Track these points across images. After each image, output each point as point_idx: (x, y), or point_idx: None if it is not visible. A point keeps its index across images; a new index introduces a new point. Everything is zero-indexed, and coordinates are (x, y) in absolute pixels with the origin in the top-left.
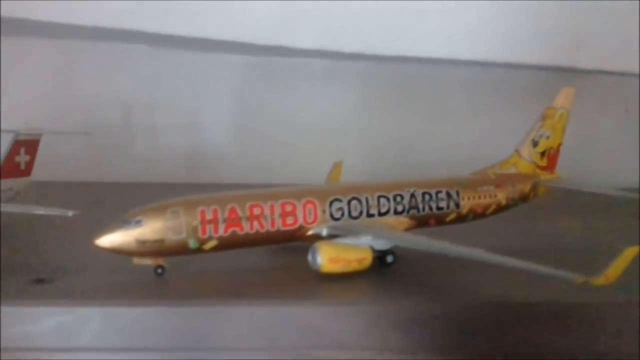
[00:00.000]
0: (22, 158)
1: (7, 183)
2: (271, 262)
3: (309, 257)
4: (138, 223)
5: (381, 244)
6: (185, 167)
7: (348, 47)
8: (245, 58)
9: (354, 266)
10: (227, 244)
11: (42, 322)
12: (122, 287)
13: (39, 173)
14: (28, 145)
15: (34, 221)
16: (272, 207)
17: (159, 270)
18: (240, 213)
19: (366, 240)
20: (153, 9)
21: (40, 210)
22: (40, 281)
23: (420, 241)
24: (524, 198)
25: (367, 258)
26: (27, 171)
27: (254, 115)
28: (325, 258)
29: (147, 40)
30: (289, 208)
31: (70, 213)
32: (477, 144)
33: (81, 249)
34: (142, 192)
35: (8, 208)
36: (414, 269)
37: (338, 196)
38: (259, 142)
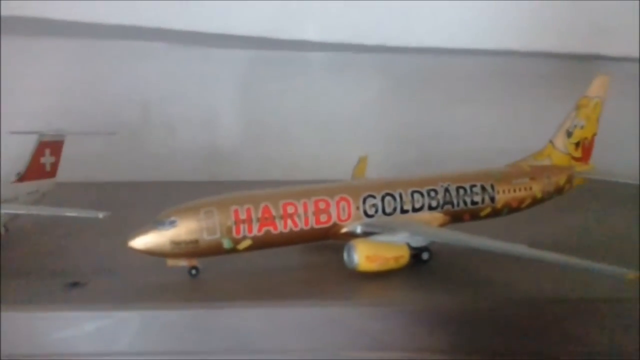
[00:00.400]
0: (47, 159)
1: (33, 185)
2: (303, 261)
3: (345, 255)
4: (172, 224)
5: (418, 241)
6: (203, 165)
7: (360, 40)
8: (260, 53)
9: (391, 264)
10: (261, 244)
11: (81, 327)
12: (158, 289)
13: (63, 174)
14: (53, 146)
15: (59, 223)
16: (305, 205)
17: (193, 272)
18: (274, 212)
19: (403, 237)
20: (168, 4)
21: (71, 212)
22: (74, 285)
23: (460, 237)
24: (559, 190)
25: (405, 256)
26: (53, 172)
27: (272, 111)
28: (362, 256)
29: (164, 38)
30: (322, 205)
31: (101, 215)
32: (498, 134)
33: (111, 251)
34: (161, 191)
35: (39, 210)
36: (450, 266)
37: (371, 192)
38: (276, 138)
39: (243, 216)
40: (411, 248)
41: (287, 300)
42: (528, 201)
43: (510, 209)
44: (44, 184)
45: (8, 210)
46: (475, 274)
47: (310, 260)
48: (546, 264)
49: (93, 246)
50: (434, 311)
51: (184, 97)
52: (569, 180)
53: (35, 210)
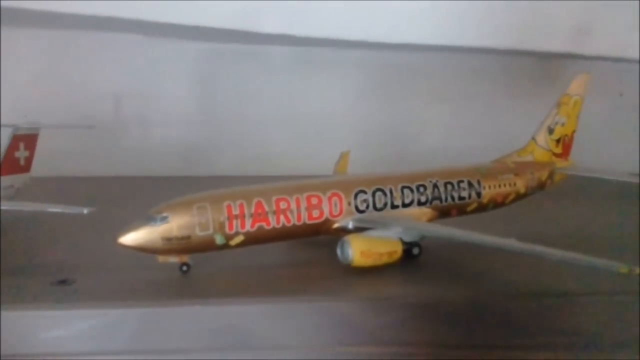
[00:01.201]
0: (21, 153)
1: (7, 180)
2: (293, 257)
3: (338, 251)
4: (164, 220)
5: (410, 236)
6: (179, 159)
7: (350, 35)
8: (237, 47)
9: (384, 259)
10: (253, 240)
11: (70, 326)
12: (147, 286)
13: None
14: (27, 140)
15: (38, 219)
16: (297, 201)
17: (184, 268)
18: (266, 207)
19: (396, 232)
20: None
21: (55, 208)
22: (62, 282)
23: (453, 232)
24: (541, 186)
25: (398, 251)
26: (27, 167)
27: (250, 106)
28: (357, 252)
29: (140, 29)
30: (314, 201)
31: (85, 210)
32: (477, 131)
33: (94, 247)
34: (137, 186)
35: (23, 206)
36: (439, 260)
37: (363, 188)
38: (254, 133)
39: (236, 212)
40: (404, 243)
41: (281, 295)
42: (512, 196)
43: (495, 204)
44: (18, 179)
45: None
46: (463, 268)
47: (298, 256)
48: (536, 258)
49: (76, 242)
50: (429, 305)
51: (158, 91)
52: (550, 175)
53: (19, 206)
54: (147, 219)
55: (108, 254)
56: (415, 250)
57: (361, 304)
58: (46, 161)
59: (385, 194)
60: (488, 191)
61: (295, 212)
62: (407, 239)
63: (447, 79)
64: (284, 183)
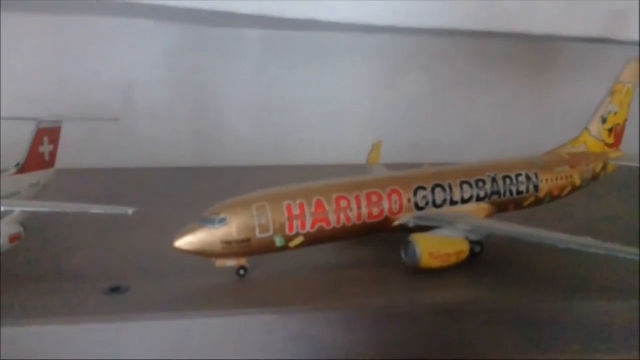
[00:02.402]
0: (46, 148)
1: (34, 177)
2: (350, 257)
3: (403, 252)
4: (222, 222)
5: (476, 235)
6: (194, 150)
7: (379, 21)
8: (255, 33)
9: (453, 260)
10: (313, 240)
11: (129, 336)
12: (207, 293)
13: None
14: (51, 133)
15: (65, 220)
16: (358, 199)
17: (242, 272)
18: (327, 206)
19: (463, 231)
20: None
21: (98, 210)
22: (114, 290)
23: (525, 231)
24: (595, 177)
25: (465, 251)
26: (52, 162)
27: (266, 94)
28: (426, 253)
29: (150, 15)
30: (375, 198)
31: (130, 211)
32: (503, 119)
33: (143, 250)
34: (150, 178)
35: (62, 208)
36: (501, 259)
37: (422, 184)
38: (270, 122)
39: (296, 212)
40: (471, 242)
41: (351, 299)
42: (568, 189)
43: (552, 197)
44: (44, 175)
45: (27, 207)
46: (525, 270)
47: (356, 257)
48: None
49: (116, 244)
50: (505, 310)
51: (174, 79)
52: (604, 167)
53: (58, 207)
54: (203, 222)
55: (158, 257)
56: (477, 249)
57: (431, 310)
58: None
59: (444, 190)
60: (545, 184)
61: (355, 210)
62: (474, 237)
63: (473, 64)
64: (343, 180)
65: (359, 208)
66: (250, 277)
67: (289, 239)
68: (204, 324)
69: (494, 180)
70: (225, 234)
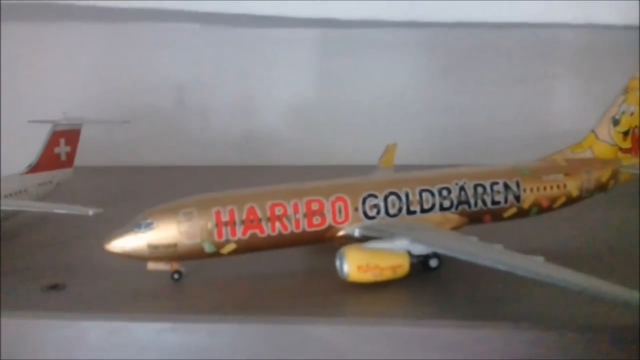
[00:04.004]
0: (62, 149)
1: (46, 175)
2: (298, 265)
3: (336, 263)
4: (148, 226)
5: (420, 248)
6: (239, 149)
7: (402, 16)
8: (296, 32)
9: (387, 274)
10: (248, 248)
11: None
12: (134, 295)
13: (94, 159)
14: (68, 135)
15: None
16: (295, 206)
17: (176, 276)
18: (259, 213)
19: (403, 244)
20: None
21: (60, 209)
22: (53, 287)
23: (465, 249)
24: (601, 187)
25: (403, 265)
26: (69, 162)
27: (306, 93)
28: (353, 266)
29: (197, 19)
30: (315, 206)
31: (90, 212)
32: (552, 118)
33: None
34: (194, 176)
35: (23, 206)
36: (461, 274)
37: (372, 191)
38: (312, 121)
39: (225, 218)
40: (413, 256)
41: (267, 313)
42: (562, 200)
43: (540, 209)
44: (58, 174)
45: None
46: (486, 288)
47: (304, 265)
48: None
49: (79, 244)
50: (432, 334)
51: (220, 80)
52: (614, 175)
53: (18, 206)
54: (132, 225)
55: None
56: (433, 262)
57: (350, 328)
58: (108, 151)
59: (399, 198)
60: (529, 194)
61: (292, 218)
62: (419, 250)
63: (523, 58)
64: (282, 186)
65: (297, 216)
66: (187, 282)
67: (218, 245)
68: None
69: (461, 188)
70: (152, 238)
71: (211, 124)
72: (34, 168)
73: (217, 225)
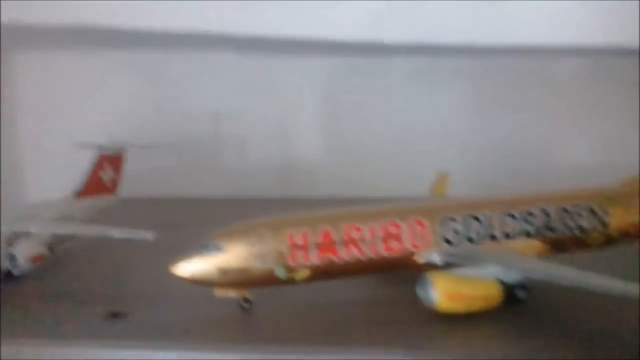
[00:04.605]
0: (107, 174)
1: (92, 202)
2: (377, 294)
3: (420, 292)
4: (218, 249)
5: (512, 276)
6: (275, 180)
7: (447, 39)
8: (334, 60)
9: (479, 305)
10: (321, 274)
11: None
12: (201, 325)
13: (124, 189)
14: (113, 160)
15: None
16: (372, 230)
17: (245, 304)
18: (335, 236)
19: (493, 271)
20: (236, 10)
21: (118, 234)
22: (114, 316)
23: (568, 274)
24: None
25: (496, 295)
26: (113, 188)
27: (346, 123)
28: (442, 294)
29: (234, 47)
30: (392, 230)
31: (150, 236)
32: (605, 148)
33: (160, 276)
34: (230, 209)
35: (81, 230)
36: (552, 306)
37: (452, 214)
38: (352, 152)
39: (299, 241)
40: (504, 285)
41: (348, 346)
42: None
43: (629, 237)
44: (103, 200)
45: (44, 229)
46: (585, 322)
47: (382, 294)
48: None
49: (141, 270)
50: None
51: (256, 109)
52: None
53: (76, 229)
54: (200, 247)
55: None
56: (521, 294)
57: None
58: (142, 182)
59: (480, 222)
60: (618, 220)
61: (369, 242)
62: (509, 279)
63: (574, 86)
64: (357, 208)
65: (374, 240)
66: (256, 311)
67: (291, 270)
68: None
69: (545, 212)
70: (221, 261)
71: (248, 154)
72: (80, 193)
73: (290, 248)
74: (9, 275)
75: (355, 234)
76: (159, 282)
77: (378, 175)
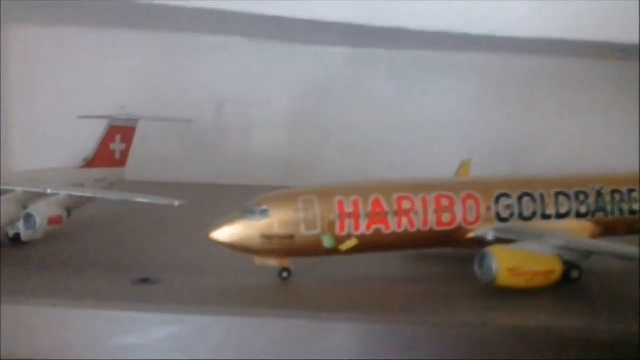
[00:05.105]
0: (117, 146)
1: (101, 172)
2: (413, 270)
3: (477, 265)
4: (264, 214)
5: (570, 254)
6: (280, 168)
7: (476, 29)
8: (348, 50)
9: (538, 281)
10: (369, 245)
11: (148, 332)
12: (241, 292)
13: (128, 173)
14: (124, 132)
15: (128, 216)
16: (424, 201)
17: (284, 274)
18: (386, 206)
19: (554, 247)
20: None
21: (144, 199)
22: (144, 281)
23: (634, 252)
24: None
25: (556, 271)
26: (122, 161)
27: (357, 112)
28: (504, 267)
29: (243, 32)
30: (445, 202)
31: (176, 203)
32: (618, 144)
33: (187, 248)
34: (233, 195)
35: (108, 194)
36: (605, 287)
37: (506, 191)
38: (362, 142)
39: (349, 209)
40: (563, 262)
41: (392, 317)
42: None
43: None
44: (112, 172)
45: (75, 192)
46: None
47: (419, 272)
48: None
49: (165, 242)
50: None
51: (262, 96)
52: None
53: (103, 194)
54: (244, 212)
55: (201, 256)
56: (575, 274)
57: (501, 333)
58: (144, 166)
59: (534, 200)
60: None
61: (421, 214)
62: (567, 257)
63: (578, 87)
64: (409, 179)
65: (425, 212)
66: (294, 281)
67: (339, 240)
68: (226, 322)
69: (599, 193)
70: (266, 227)
71: (253, 141)
72: (90, 163)
73: (339, 216)
74: (15, 241)
75: (406, 205)
76: (188, 252)
77: (386, 166)
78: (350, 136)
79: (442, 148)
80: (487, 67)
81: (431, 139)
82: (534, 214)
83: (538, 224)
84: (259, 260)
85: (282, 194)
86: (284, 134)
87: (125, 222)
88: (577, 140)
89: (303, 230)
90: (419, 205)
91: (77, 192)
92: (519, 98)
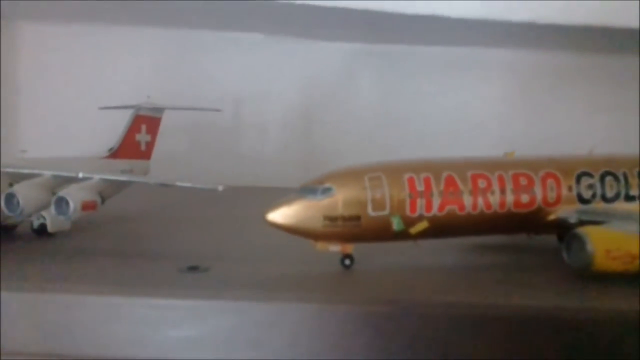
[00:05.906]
0: (142, 137)
1: (126, 163)
2: (478, 259)
3: (565, 250)
4: (327, 192)
5: None
6: (297, 168)
7: (517, 16)
8: (369, 47)
9: (635, 265)
10: (439, 229)
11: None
12: (300, 279)
13: None
14: (149, 122)
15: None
16: (501, 179)
17: (347, 262)
18: (460, 185)
19: None
20: None
21: (186, 184)
22: (192, 269)
23: None
24: None
25: None
26: (148, 154)
27: (373, 110)
28: (601, 250)
29: (262, 28)
30: (523, 181)
31: (220, 188)
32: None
33: (231, 239)
34: (250, 196)
35: (148, 179)
36: None
37: (587, 169)
38: (381, 138)
39: (420, 187)
40: None
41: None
42: None
43: None
44: (138, 164)
45: (110, 177)
46: None
47: (484, 261)
48: None
49: (206, 231)
50: None
51: (279, 93)
52: None
53: (143, 179)
54: (303, 192)
55: (249, 246)
56: None
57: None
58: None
59: (617, 180)
60: None
61: (498, 194)
62: None
63: (611, 85)
64: (480, 157)
65: (503, 192)
66: (358, 269)
67: (409, 222)
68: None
69: None
70: (330, 207)
71: (269, 140)
72: (115, 153)
73: (410, 195)
74: (40, 232)
75: (482, 183)
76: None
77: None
78: (370, 133)
79: (471, 144)
80: (516, 62)
81: (456, 137)
82: (617, 195)
83: (622, 205)
84: (320, 246)
85: (346, 171)
86: (298, 130)
87: (154, 216)
88: (608, 138)
89: (370, 211)
90: (495, 185)
91: (113, 177)
92: (550, 97)
